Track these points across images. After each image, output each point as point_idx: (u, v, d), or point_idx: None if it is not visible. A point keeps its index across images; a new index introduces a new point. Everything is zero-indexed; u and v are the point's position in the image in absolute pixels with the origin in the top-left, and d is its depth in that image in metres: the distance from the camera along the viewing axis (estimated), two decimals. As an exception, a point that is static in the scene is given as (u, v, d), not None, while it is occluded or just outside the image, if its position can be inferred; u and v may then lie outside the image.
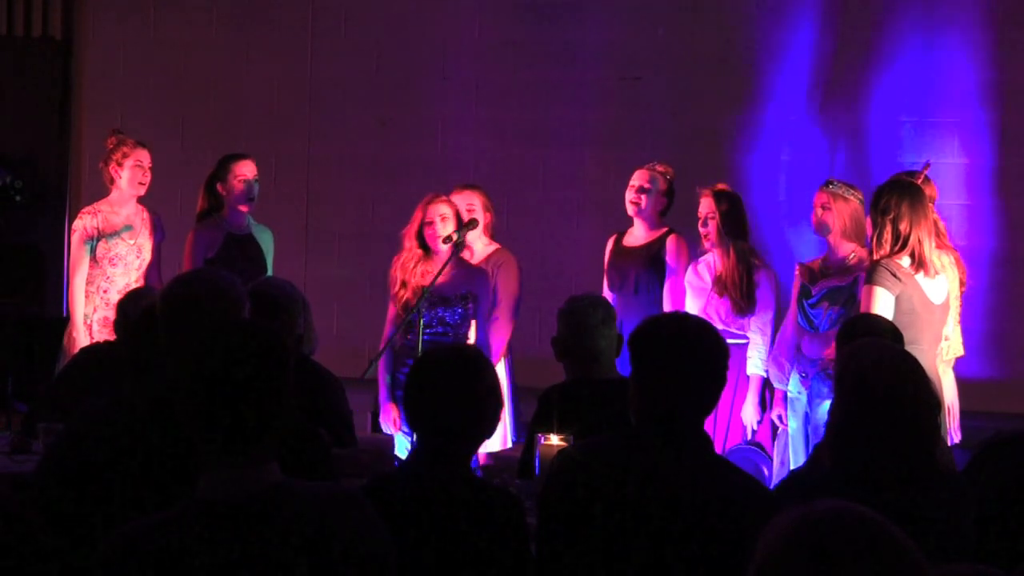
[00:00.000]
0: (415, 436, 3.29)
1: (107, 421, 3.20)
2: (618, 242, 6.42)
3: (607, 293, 6.21)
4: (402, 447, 5.76)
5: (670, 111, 7.95)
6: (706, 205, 6.14)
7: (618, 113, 8.03)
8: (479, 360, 3.32)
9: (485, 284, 6.07)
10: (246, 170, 6.43)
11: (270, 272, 6.45)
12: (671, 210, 6.38)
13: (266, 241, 6.56)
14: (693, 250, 6.35)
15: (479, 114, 8.21)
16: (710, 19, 7.94)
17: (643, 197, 6.28)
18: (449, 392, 3.21)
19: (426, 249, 6.01)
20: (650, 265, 6.25)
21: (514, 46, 8.18)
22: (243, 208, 6.43)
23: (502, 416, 3.41)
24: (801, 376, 5.72)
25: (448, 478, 3.18)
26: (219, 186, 6.43)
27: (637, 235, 6.35)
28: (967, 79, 7.62)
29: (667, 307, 6.17)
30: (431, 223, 5.96)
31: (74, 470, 3.14)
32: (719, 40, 7.91)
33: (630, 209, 6.30)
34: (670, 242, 6.28)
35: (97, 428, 3.19)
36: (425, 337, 5.87)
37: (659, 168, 6.34)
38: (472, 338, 6.04)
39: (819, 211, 5.84)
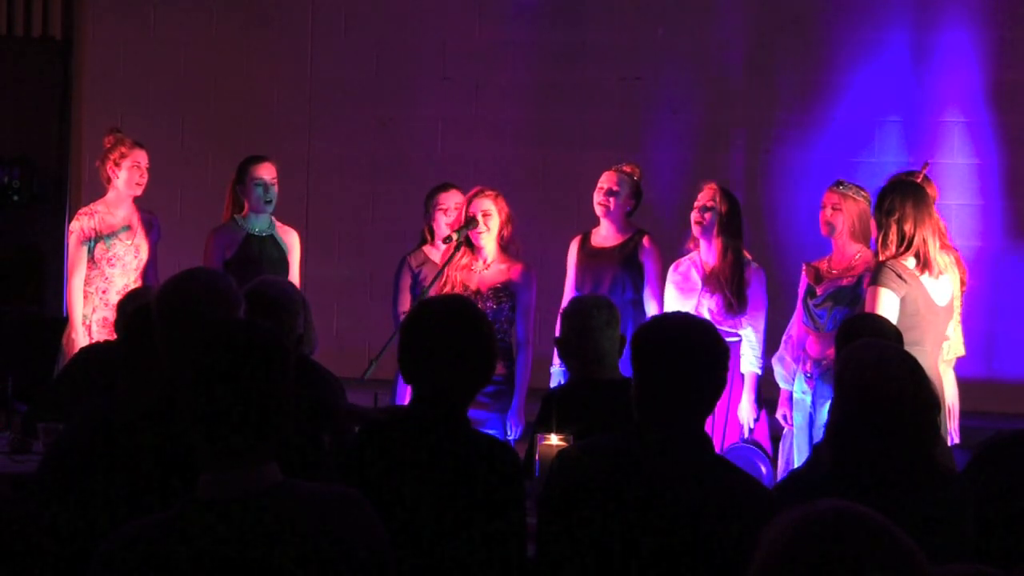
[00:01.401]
0: (411, 388, 3.30)
1: (107, 421, 3.20)
2: (585, 243, 6.38)
3: (572, 294, 6.18)
4: None
5: (670, 111, 7.95)
6: (709, 195, 6.11)
7: (618, 113, 8.03)
8: (470, 310, 3.33)
9: (527, 280, 6.06)
10: (262, 173, 6.44)
11: (295, 273, 6.47)
12: (638, 209, 6.36)
13: (289, 242, 6.56)
14: (671, 247, 6.34)
15: (479, 114, 8.21)
16: (710, 19, 7.93)
17: (611, 200, 6.25)
18: (440, 343, 3.23)
19: (470, 245, 6.03)
20: (625, 265, 6.23)
21: (514, 46, 8.17)
22: (259, 210, 6.44)
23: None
24: (806, 376, 5.72)
25: (443, 427, 3.21)
26: (239, 188, 6.46)
27: (607, 236, 6.30)
28: (972, 79, 7.62)
29: (653, 309, 6.15)
30: (473, 217, 5.99)
31: (74, 470, 3.14)
32: (719, 40, 7.91)
33: (598, 211, 6.27)
34: (647, 244, 6.25)
35: (97, 428, 3.19)
36: None
37: (626, 169, 6.31)
38: (513, 336, 6.04)
39: (828, 211, 5.84)
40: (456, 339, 3.24)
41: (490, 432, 5.79)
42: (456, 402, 3.27)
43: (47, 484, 3.18)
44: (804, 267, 5.93)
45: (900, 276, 5.14)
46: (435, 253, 6.31)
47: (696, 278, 6.17)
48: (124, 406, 3.22)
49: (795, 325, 5.91)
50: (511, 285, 6.01)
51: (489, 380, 3.37)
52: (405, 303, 6.28)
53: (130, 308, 5.05)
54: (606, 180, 6.29)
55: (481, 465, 3.16)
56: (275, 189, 6.46)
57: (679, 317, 3.46)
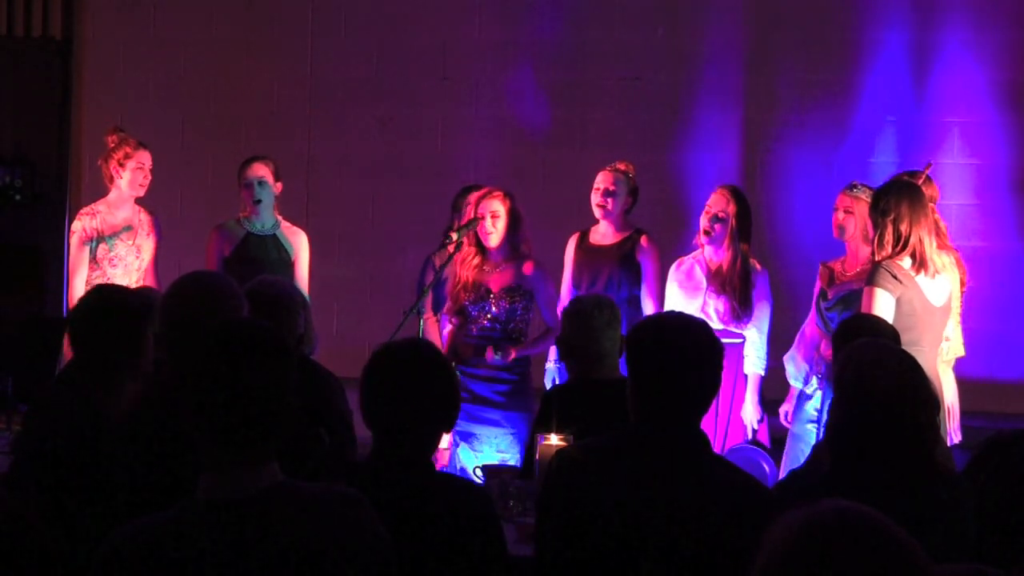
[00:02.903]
0: (372, 435, 3.22)
1: (88, 422, 3.21)
2: (583, 240, 6.36)
3: (570, 292, 6.18)
4: (468, 459, 5.77)
5: (670, 111, 7.95)
6: (720, 204, 6.07)
7: (618, 113, 8.03)
8: (430, 357, 3.24)
9: (541, 275, 6.04)
10: (248, 173, 6.48)
11: (302, 274, 6.47)
12: (635, 207, 6.35)
13: (296, 243, 6.55)
14: (670, 248, 6.33)
15: (479, 114, 8.21)
16: (710, 19, 7.94)
17: (610, 200, 6.22)
18: (400, 391, 3.14)
19: (480, 246, 6.02)
20: (622, 264, 6.22)
21: (514, 46, 8.18)
22: (250, 210, 6.46)
23: None
24: (819, 378, 5.70)
25: (408, 474, 3.13)
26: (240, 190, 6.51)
27: (605, 234, 6.29)
28: (974, 79, 7.62)
29: (650, 309, 6.15)
30: (482, 218, 5.98)
31: (49, 471, 3.15)
32: (719, 40, 7.91)
33: (597, 212, 6.24)
34: (644, 243, 6.23)
35: (77, 430, 3.20)
36: (474, 332, 5.93)
37: (620, 167, 6.29)
38: (528, 333, 6.04)
39: (841, 214, 5.82)
40: (417, 387, 3.15)
41: (506, 430, 5.82)
42: (418, 449, 3.17)
43: (17, 483, 3.18)
44: (820, 267, 5.90)
45: (896, 277, 5.13)
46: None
47: (700, 276, 6.15)
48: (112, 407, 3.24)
49: (810, 325, 5.89)
50: (525, 283, 5.99)
51: (452, 425, 3.27)
52: (427, 302, 6.30)
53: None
54: (602, 180, 6.27)
55: (449, 509, 3.09)
56: (269, 189, 6.45)
57: (674, 316, 3.46)
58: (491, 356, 5.86)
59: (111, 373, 3.37)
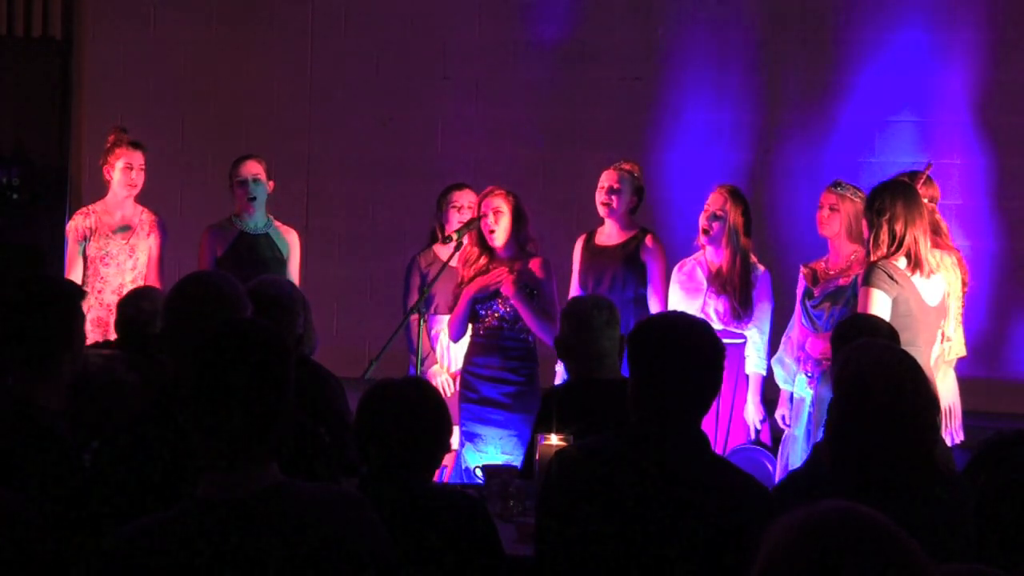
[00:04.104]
0: (369, 465, 3.32)
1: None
2: (589, 241, 6.36)
3: (577, 292, 6.17)
4: (474, 459, 5.77)
5: (670, 111, 7.95)
6: (719, 203, 6.08)
7: (618, 113, 8.03)
8: (423, 391, 3.35)
9: (547, 273, 6.03)
10: (242, 171, 6.48)
11: (294, 274, 6.47)
12: (640, 206, 6.35)
13: (287, 243, 6.56)
14: (671, 248, 6.33)
15: (479, 114, 8.21)
16: (710, 19, 7.94)
17: (614, 198, 6.21)
18: (392, 430, 3.25)
19: (487, 247, 6.01)
20: (627, 264, 6.21)
21: (514, 46, 8.18)
22: (244, 208, 6.46)
23: None
24: (807, 376, 5.71)
25: (401, 491, 3.21)
26: (231, 189, 6.51)
27: (610, 234, 6.28)
28: (974, 80, 7.62)
29: (656, 308, 6.14)
30: (484, 216, 5.97)
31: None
32: (719, 40, 7.91)
33: (601, 211, 6.24)
34: (649, 243, 6.22)
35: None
36: (481, 331, 5.92)
37: (625, 167, 6.28)
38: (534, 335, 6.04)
39: (825, 211, 5.83)
40: (408, 426, 3.27)
41: (511, 432, 5.81)
42: (410, 478, 3.27)
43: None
44: (802, 268, 5.92)
45: (891, 277, 5.13)
46: (445, 252, 6.29)
47: (701, 277, 6.15)
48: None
49: (794, 326, 5.90)
50: (531, 282, 5.98)
51: (440, 461, 3.38)
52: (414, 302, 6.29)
53: (132, 309, 5.08)
54: (607, 179, 6.27)
55: (444, 523, 3.16)
56: (263, 186, 6.46)
57: (675, 316, 3.45)
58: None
59: (46, 365, 3.35)
